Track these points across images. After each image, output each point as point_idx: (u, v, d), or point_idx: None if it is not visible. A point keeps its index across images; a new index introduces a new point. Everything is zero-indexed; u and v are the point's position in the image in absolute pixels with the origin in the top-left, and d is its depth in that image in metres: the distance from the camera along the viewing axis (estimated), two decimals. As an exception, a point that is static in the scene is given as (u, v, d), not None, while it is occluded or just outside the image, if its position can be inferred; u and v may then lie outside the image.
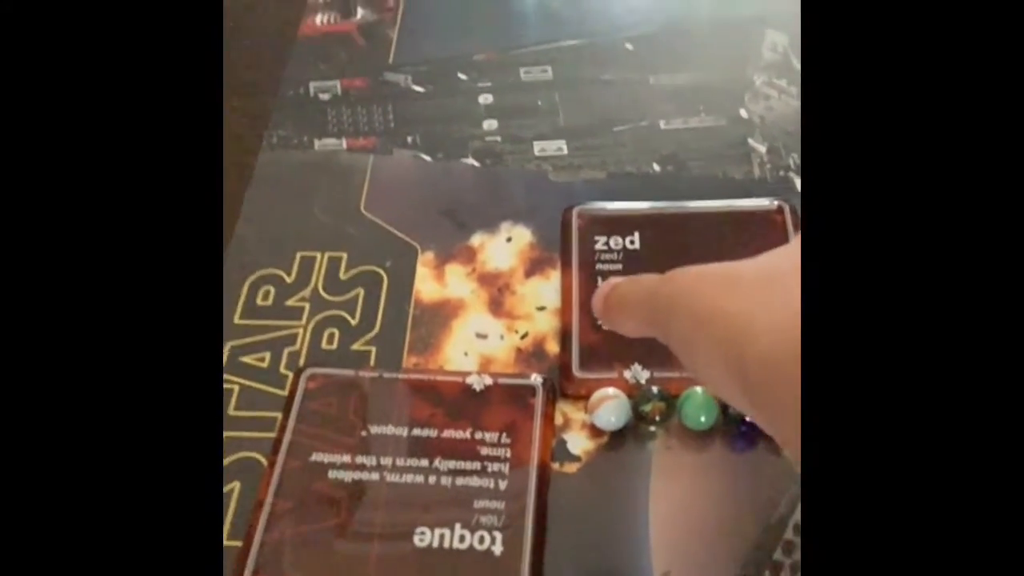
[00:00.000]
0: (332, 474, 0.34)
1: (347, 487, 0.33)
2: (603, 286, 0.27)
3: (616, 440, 0.35)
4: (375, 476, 0.33)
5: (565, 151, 0.46)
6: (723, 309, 0.20)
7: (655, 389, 0.35)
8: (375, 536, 0.32)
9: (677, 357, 0.23)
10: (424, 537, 0.32)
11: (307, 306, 0.40)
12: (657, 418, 0.35)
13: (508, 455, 0.34)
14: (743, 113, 0.47)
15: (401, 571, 0.31)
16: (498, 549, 0.31)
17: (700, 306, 0.21)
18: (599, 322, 0.28)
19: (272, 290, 0.41)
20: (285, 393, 0.36)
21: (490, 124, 0.47)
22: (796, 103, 0.47)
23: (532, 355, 0.38)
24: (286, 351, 0.38)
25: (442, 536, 0.32)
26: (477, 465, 0.33)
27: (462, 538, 0.32)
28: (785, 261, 0.20)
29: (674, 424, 0.35)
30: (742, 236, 0.40)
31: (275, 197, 0.45)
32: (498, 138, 0.47)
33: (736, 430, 0.34)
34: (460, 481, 0.33)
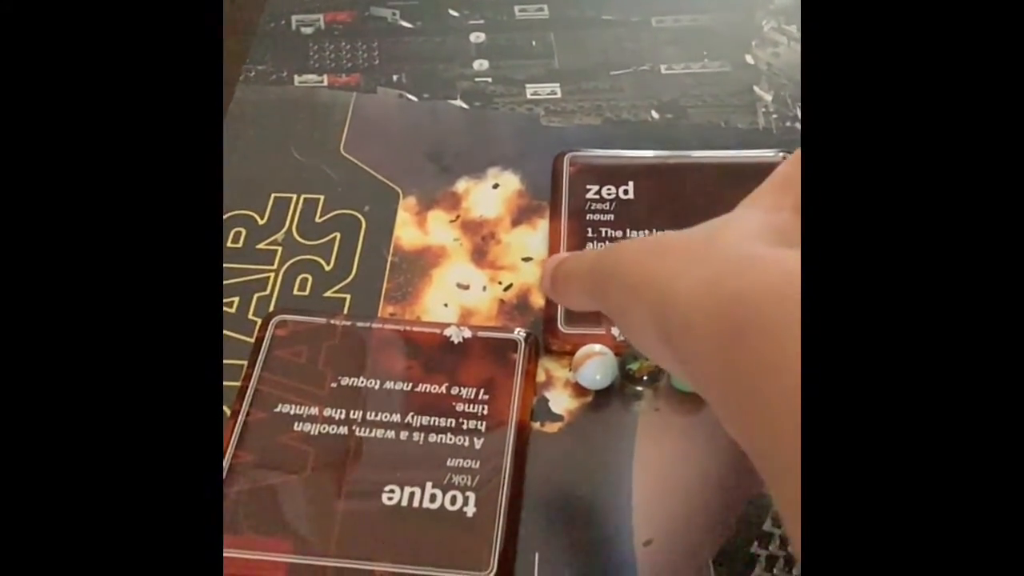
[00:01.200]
0: (298, 426, 0.32)
1: (314, 441, 0.31)
2: (549, 261, 0.28)
3: (601, 400, 0.33)
4: (343, 430, 0.31)
5: (559, 95, 0.43)
6: (652, 275, 0.21)
7: (644, 347, 0.33)
8: (341, 493, 0.30)
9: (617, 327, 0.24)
10: (393, 495, 0.30)
11: (280, 250, 0.38)
12: (645, 378, 0.33)
13: (485, 412, 0.32)
14: (749, 59, 0.44)
15: (368, 530, 0.29)
16: (471, 510, 0.30)
17: (633, 274, 0.22)
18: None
19: (244, 232, 0.38)
20: (252, 340, 0.34)
21: (480, 64, 0.45)
22: (806, 50, 0.44)
23: (515, 308, 0.36)
24: (256, 296, 0.36)
25: (412, 495, 0.30)
26: (452, 422, 0.32)
27: (433, 497, 0.30)
28: (714, 230, 0.21)
29: (663, 385, 0.33)
30: (744, 189, 0.37)
31: (250, 134, 0.42)
32: (488, 79, 0.44)
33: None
34: (433, 438, 0.31)
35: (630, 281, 0.22)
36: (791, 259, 0.19)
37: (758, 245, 0.20)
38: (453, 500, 0.30)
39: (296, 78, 0.44)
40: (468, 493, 0.30)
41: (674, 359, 0.21)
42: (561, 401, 0.33)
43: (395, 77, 0.44)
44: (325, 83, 0.44)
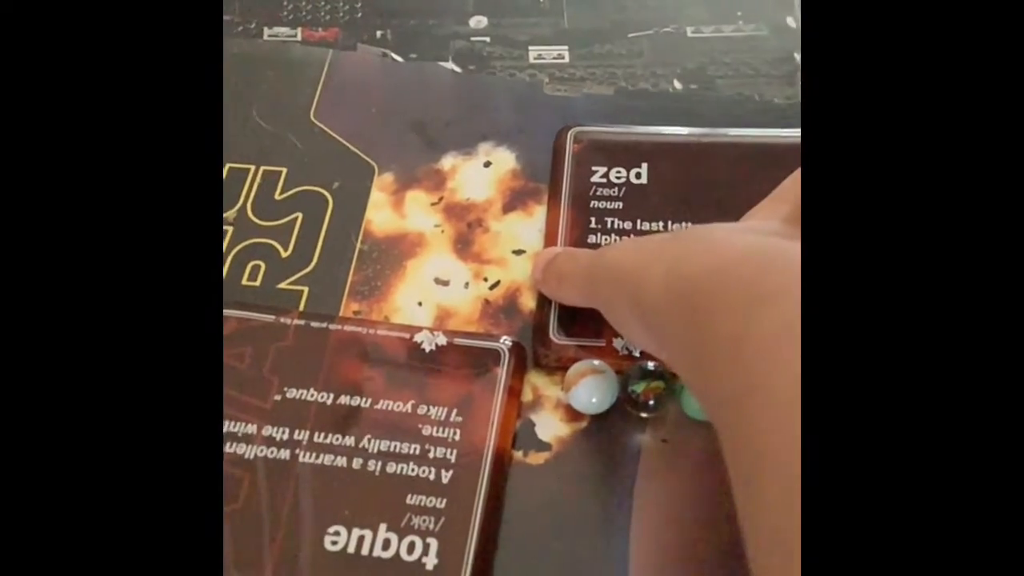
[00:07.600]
0: (231, 448, 0.26)
1: (248, 465, 0.26)
2: (542, 255, 0.29)
3: (597, 426, 0.27)
4: (285, 454, 0.26)
5: (566, 59, 0.37)
6: (632, 266, 0.23)
7: (651, 365, 0.27)
8: (277, 532, 0.25)
9: (608, 320, 0.25)
10: (338, 539, 0.25)
11: (229, 231, 0.32)
12: (651, 402, 0.27)
13: (457, 438, 0.26)
14: (790, 22, 0.38)
15: (306, 580, 0.24)
16: (431, 561, 0.24)
17: (617, 269, 0.24)
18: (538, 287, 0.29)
19: (192, 209, 0.33)
20: (188, 339, 0.29)
21: (478, 21, 0.39)
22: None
23: (501, 311, 0.30)
24: (199, 286, 0.31)
25: (361, 539, 0.25)
26: (416, 448, 0.26)
27: (387, 543, 0.25)
28: (696, 227, 0.23)
29: (672, 411, 0.27)
30: (777, 173, 0.32)
31: (209, 95, 0.37)
32: (486, 39, 0.38)
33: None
34: (392, 468, 0.26)
35: (614, 275, 0.23)
36: (743, 240, 0.20)
37: (726, 234, 0.21)
38: (411, 548, 0.24)
39: (266, 31, 0.39)
40: (430, 540, 0.25)
41: (653, 342, 0.22)
42: (550, 426, 0.28)
43: (379, 33, 0.38)
44: (299, 37, 0.38)
